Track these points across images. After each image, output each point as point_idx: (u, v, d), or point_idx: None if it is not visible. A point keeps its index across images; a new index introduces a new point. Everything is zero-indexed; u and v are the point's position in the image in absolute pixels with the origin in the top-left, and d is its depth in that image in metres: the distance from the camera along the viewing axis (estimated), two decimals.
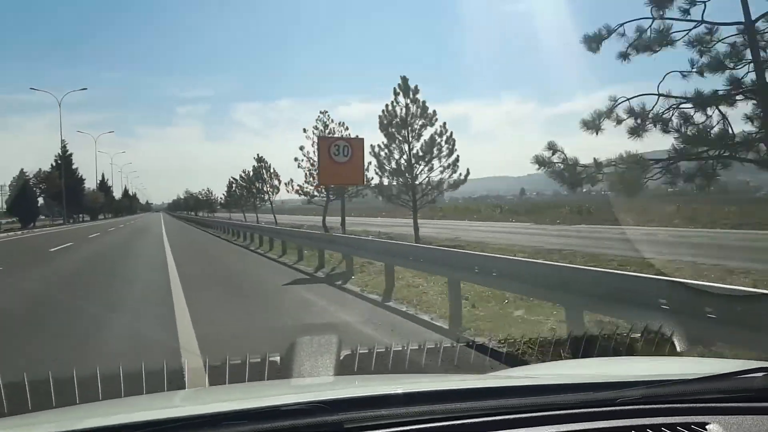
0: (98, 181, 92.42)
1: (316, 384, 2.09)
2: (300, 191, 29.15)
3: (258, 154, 41.83)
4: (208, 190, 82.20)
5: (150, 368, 2.57)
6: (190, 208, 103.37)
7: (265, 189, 40.53)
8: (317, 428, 1.25)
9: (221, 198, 58.97)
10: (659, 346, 2.84)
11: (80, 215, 75.56)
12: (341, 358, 2.56)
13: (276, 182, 39.27)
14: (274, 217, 38.92)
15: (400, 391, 1.41)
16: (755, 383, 1.48)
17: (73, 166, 70.51)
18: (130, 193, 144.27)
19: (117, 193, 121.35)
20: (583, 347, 2.97)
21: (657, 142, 8.50)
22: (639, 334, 3.05)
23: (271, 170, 40.22)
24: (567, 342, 3.54)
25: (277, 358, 2.60)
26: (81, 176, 74.63)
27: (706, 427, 1.30)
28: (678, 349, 2.76)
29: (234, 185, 51.13)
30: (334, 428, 1.26)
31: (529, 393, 1.45)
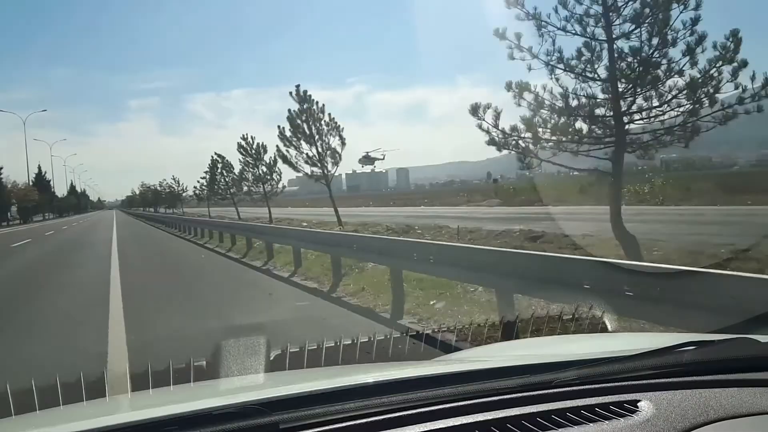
0: (33, 176, 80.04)
1: (247, 384, 2.00)
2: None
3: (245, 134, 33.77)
4: (175, 180, 63.58)
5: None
6: (148, 203, 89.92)
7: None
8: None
9: (196, 189, 46.49)
10: (591, 326, 2.91)
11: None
12: (271, 358, 2.46)
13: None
14: (270, 212, 31.96)
15: (336, 385, 1.35)
16: (685, 357, 1.51)
17: None
18: (78, 189, 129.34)
19: (63, 190, 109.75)
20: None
21: None
22: (570, 316, 3.12)
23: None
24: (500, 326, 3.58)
25: (203, 363, 2.47)
26: None
27: (638, 404, 1.31)
28: (609, 329, 2.83)
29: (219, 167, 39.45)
30: (269, 430, 1.20)
31: (464, 380, 1.42)
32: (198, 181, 45.53)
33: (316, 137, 22.35)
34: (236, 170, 36.19)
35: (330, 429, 1.23)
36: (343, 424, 1.24)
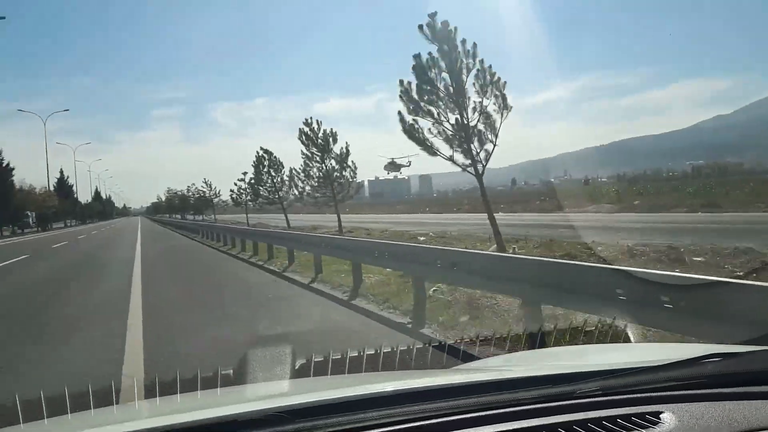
0: (55, 180, 79.06)
1: (270, 391, 2.02)
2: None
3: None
4: (207, 183, 57.35)
5: None
6: (175, 209, 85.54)
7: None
8: None
9: (233, 193, 41.79)
10: (614, 337, 2.89)
11: (17, 223, 57.79)
12: (296, 367, 2.48)
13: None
14: (340, 219, 26.74)
15: (356, 394, 1.37)
16: (707, 369, 1.50)
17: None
18: (104, 196, 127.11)
19: (87, 197, 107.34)
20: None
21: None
22: (593, 327, 3.09)
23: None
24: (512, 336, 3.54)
25: (230, 371, 2.51)
26: (7, 164, 56.08)
27: (660, 416, 1.31)
28: (632, 339, 2.81)
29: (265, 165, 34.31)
30: None
31: (484, 390, 1.43)
32: (235, 183, 41.17)
33: (464, 98, 12.93)
34: (285, 169, 33.34)
35: None
36: None
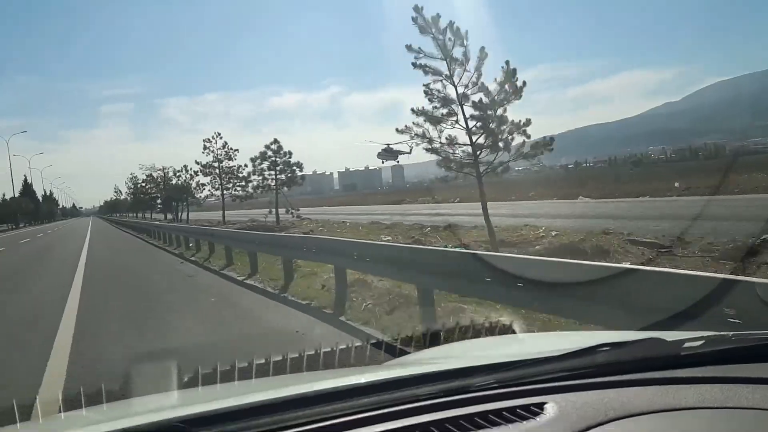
0: None
1: (167, 402, 1.94)
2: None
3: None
4: (186, 169, 43.74)
5: None
6: (135, 206, 67.62)
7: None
8: None
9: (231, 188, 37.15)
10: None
11: None
12: (185, 380, 2.42)
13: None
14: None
15: (249, 400, 1.38)
16: (598, 358, 1.55)
17: None
18: (41, 193, 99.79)
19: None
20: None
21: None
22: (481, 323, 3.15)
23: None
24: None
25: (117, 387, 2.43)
26: None
27: (544, 406, 1.35)
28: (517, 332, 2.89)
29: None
30: None
31: (388, 388, 1.45)
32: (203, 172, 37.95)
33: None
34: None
35: None
36: None
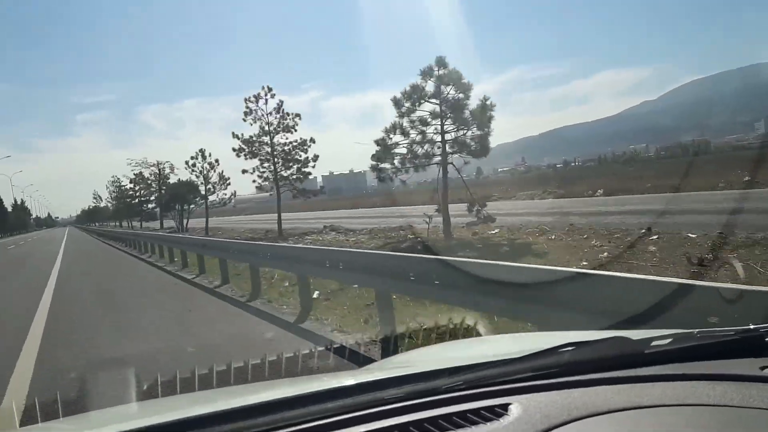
0: None
1: (120, 415, 1.80)
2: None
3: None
4: (203, 155, 34.68)
5: None
6: (118, 214, 59.02)
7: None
8: None
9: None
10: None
11: None
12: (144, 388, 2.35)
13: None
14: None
15: (208, 411, 1.33)
16: (564, 358, 1.55)
17: None
18: (10, 202, 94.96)
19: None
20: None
21: None
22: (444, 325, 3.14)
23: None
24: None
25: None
26: None
27: (509, 407, 1.34)
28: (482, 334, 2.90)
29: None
30: None
31: (351, 393, 1.43)
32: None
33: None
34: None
35: None
36: None
